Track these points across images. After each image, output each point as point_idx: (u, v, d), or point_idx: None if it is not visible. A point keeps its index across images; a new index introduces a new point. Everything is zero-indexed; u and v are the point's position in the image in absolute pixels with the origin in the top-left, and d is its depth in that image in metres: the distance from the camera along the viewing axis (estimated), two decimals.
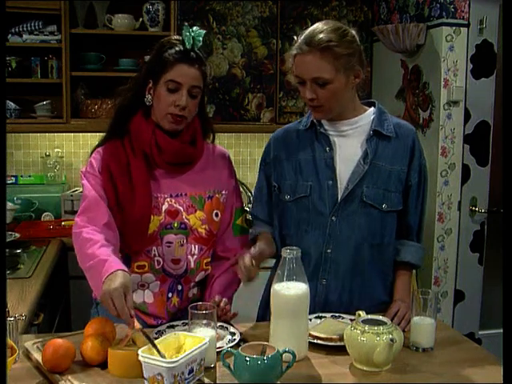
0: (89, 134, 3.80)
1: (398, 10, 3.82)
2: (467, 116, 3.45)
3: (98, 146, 2.02)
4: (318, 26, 1.88)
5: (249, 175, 3.98)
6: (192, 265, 1.98)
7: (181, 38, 1.94)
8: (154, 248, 1.95)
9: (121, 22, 3.62)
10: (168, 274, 1.97)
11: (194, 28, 1.94)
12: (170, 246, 1.95)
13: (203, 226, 1.98)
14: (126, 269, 1.69)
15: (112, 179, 1.92)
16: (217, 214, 2.02)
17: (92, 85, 3.74)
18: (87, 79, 3.71)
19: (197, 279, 2.02)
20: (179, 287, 1.99)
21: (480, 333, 3.67)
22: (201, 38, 1.93)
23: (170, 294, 1.99)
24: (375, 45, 4.06)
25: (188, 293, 2.02)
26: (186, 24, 1.96)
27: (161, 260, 1.96)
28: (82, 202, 1.92)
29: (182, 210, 1.97)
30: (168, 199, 1.97)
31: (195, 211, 1.98)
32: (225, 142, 3.97)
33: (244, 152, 4.08)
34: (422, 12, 3.54)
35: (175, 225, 1.96)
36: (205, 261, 2.02)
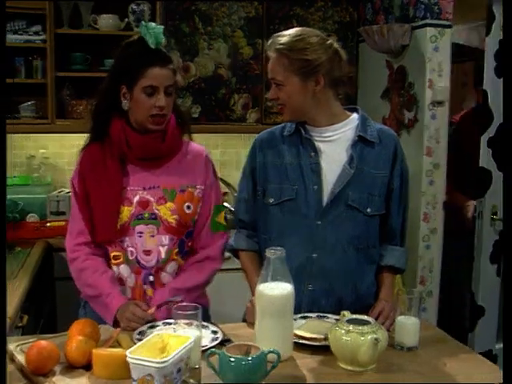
0: (74, 134, 3.77)
1: (383, 11, 3.84)
2: (490, 118, 3.20)
3: (82, 149, 2.12)
4: (290, 30, 1.95)
5: (235, 175, 3.93)
6: (163, 255, 2.05)
7: (142, 38, 1.97)
8: (127, 238, 2.04)
9: (106, 22, 3.61)
10: (142, 265, 2.05)
11: (152, 25, 1.97)
12: (141, 235, 2.03)
13: (173, 216, 2.04)
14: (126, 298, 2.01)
15: (85, 180, 2.06)
16: (189, 207, 2.08)
17: (77, 85, 3.72)
18: (72, 80, 3.69)
19: (168, 269, 2.07)
20: (151, 278, 2.06)
21: (497, 347, 3.41)
22: (162, 35, 1.98)
23: (145, 287, 2.05)
24: (361, 45, 4.07)
25: (161, 282, 2.07)
26: (143, 22, 1.99)
27: (134, 251, 2.04)
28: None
29: (153, 200, 2.04)
30: (140, 192, 2.05)
31: (165, 202, 2.05)
32: (211, 143, 3.96)
33: (230, 152, 4.08)
34: (407, 13, 3.56)
35: (146, 215, 2.04)
36: (175, 251, 2.08)
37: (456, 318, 3.63)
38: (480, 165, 3.20)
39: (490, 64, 3.09)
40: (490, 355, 3.17)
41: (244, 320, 2.01)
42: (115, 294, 2.00)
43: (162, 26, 1.99)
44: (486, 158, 3.23)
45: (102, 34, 3.62)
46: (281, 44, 1.91)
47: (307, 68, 1.90)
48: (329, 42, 1.95)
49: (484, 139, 3.20)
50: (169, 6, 3.74)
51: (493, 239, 3.33)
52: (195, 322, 1.60)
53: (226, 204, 2.28)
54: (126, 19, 3.65)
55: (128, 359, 1.41)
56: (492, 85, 3.14)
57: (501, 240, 3.26)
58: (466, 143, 3.49)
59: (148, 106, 1.97)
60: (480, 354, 2.99)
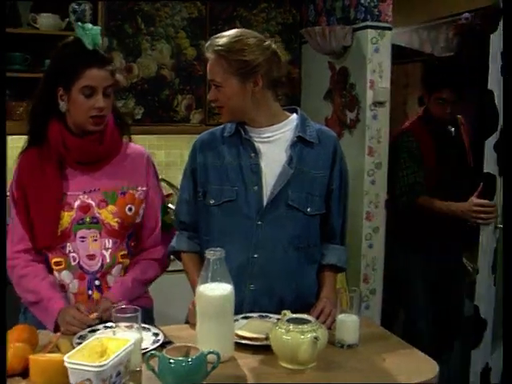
0: (15, 136, 3.69)
1: (325, 13, 3.88)
2: (496, 120, 2.87)
3: (20, 153, 2.10)
4: (228, 32, 1.97)
5: (179, 176, 3.92)
6: (108, 259, 2.04)
7: (79, 38, 1.97)
8: (69, 244, 2.01)
9: (46, 21, 3.53)
10: (85, 271, 2.02)
11: (89, 26, 1.97)
12: (84, 240, 2.01)
13: (115, 219, 2.03)
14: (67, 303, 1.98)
15: (24, 186, 2.03)
16: (130, 209, 2.06)
17: (17, 86, 3.63)
18: (12, 80, 3.60)
19: (113, 272, 2.06)
20: (97, 282, 2.03)
21: (493, 358, 2.99)
22: (99, 36, 1.98)
23: (90, 292, 2.03)
24: (304, 46, 4.10)
25: (108, 285, 2.05)
26: (79, 23, 1.99)
27: (76, 256, 2.02)
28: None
29: (94, 204, 2.03)
30: (81, 196, 2.03)
31: (107, 205, 2.04)
32: (154, 144, 3.93)
33: (174, 153, 4.05)
34: (348, 15, 3.61)
35: (87, 219, 2.02)
36: (120, 254, 2.07)
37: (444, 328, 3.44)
38: (485, 170, 2.90)
39: (495, 63, 2.87)
40: (486, 368, 2.98)
41: (187, 322, 2.01)
42: (56, 298, 1.97)
43: (99, 27, 1.99)
44: (491, 164, 2.88)
45: (42, 33, 3.54)
46: (219, 45, 1.92)
47: (245, 69, 1.91)
48: (267, 42, 1.96)
49: (490, 143, 2.88)
50: (111, 6, 3.69)
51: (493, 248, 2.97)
52: (135, 325, 1.59)
53: (170, 205, 2.27)
54: (67, 19, 3.58)
55: (66, 364, 1.39)
56: (498, 85, 2.85)
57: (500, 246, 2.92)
58: (423, 151, 3.23)
59: (86, 107, 1.96)
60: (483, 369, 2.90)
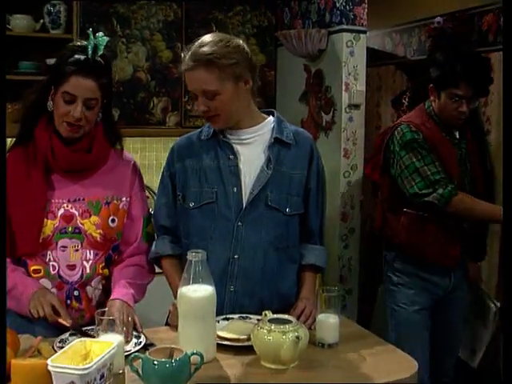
0: None
1: (300, 16, 3.91)
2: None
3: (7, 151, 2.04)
4: (202, 39, 1.94)
5: (155, 180, 3.93)
6: (88, 270, 2.01)
7: (85, 44, 1.94)
8: (49, 252, 1.97)
9: (19, 22, 3.49)
10: (64, 280, 1.99)
11: (100, 34, 1.94)
12: (65, 250, 1.98)
13: (98, 231, 2.01)
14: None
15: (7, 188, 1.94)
16: (113, 220, 2.04)
17: None
18: None
19: (93, 284, 2.03)
20: (76, 293, 2.00)
21: None
22: (102, 46, 1.94)
23: (68, 301, 1.99)
24: (279, 49, 4.14)
25: (88, 295, 2.02)
26: (90, 30, 1.95)
27: (56, 265, 1.98)
28: None
29: (77, 214, 1.99)
30: (65, 204, 1.99)
31: (90, 216, 2.00)
32: (130, 147, 3.90)
33: (150, 156, 4.05)
34: (324, 18, 3.65)
35: (69, 229, 1.98)
36: (100, 265, 2.04)
37: None
38: None
39: None
40: None
41: (167, 324, 2.01)
42: (31, 282, 1.94)
43: (107, 38, 1.95)
44: None
45: (16, 35, 3.49)
46: (207, 53, 1.89)
47: (238, 70, 1.91)
48: (241, 43, 1.97)
49: None
50: (86, 7, 3.67)
51: None
52: (117, 328, 1.59)
53: (151, 211, 2.26)
54: (42, 20, 3.56)
55: (49, 367, 1.38)
56: None
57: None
58: (443, 151, 2.70)
59: (63, 112, 1.92)
60: None
